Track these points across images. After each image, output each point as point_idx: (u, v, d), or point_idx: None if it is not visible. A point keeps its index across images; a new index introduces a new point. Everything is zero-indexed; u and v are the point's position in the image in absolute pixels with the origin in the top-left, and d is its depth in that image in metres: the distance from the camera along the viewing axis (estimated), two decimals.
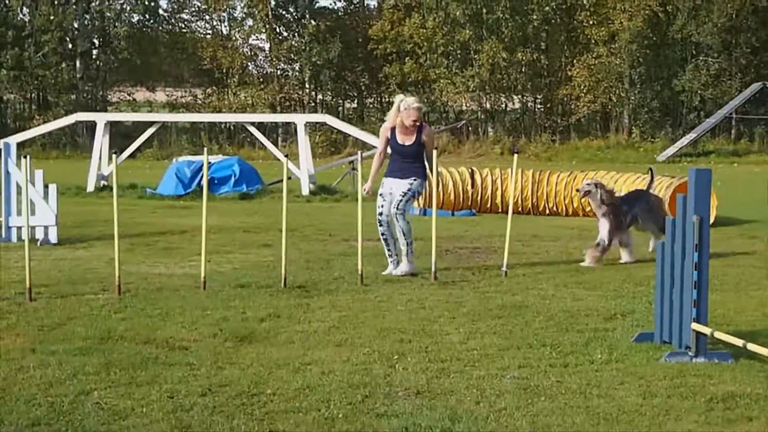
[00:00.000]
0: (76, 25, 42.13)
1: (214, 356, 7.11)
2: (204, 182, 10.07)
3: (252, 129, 24.83)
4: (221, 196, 20.72)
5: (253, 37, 45.19)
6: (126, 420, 5.64)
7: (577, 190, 13.06)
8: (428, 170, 11.05)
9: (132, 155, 24.85)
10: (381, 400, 6.08)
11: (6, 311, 8.67)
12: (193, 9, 46.50)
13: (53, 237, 13.36)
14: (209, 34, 46.36)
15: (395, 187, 11.02)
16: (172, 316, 8.58)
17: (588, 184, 12.45)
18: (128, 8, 42.89)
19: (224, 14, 45.39)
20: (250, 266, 11.53)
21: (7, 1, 42.06)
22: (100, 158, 22.43)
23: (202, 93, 45.22)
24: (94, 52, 43.71)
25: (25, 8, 41.74)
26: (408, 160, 11.06)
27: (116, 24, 42.34)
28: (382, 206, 11.05)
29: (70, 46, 41.86)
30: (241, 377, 6.53)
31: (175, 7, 46.29)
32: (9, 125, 41.03)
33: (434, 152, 10.94)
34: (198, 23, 47.25)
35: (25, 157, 10.45)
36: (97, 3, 42.11)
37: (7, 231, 13.61)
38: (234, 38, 45.21)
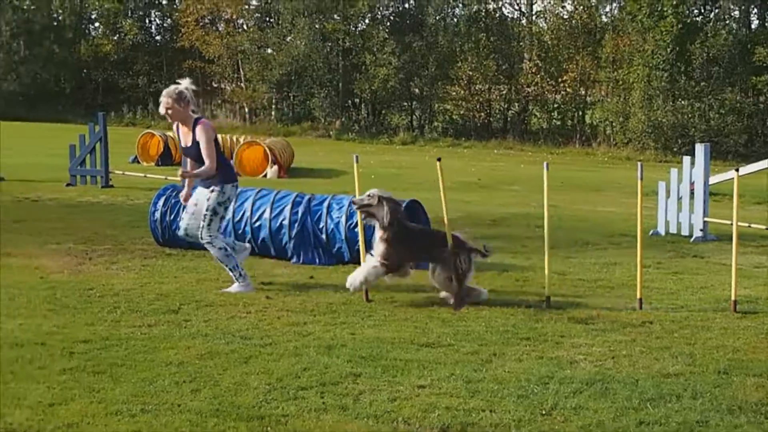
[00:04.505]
0: None
1: None
2: None
3: None
4: None
5: None
6: None
7: (353, 202, 9.55)
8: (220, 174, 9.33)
9: None
10: None
11: None
12: None
13: None
14: None
15: (200, 199, 9.51)
16: None
17: (370, 196, 9.24)
18: None
19: None
20: None
21: None
22: None
23: None
24: None
25: None
26: (200, 164, 9.37)
27: None
28: (184, 221, 9.66)
29: None
30: None
31: None
32: None
33: (212, 152, 9.23)
34: None
35: None
36: None
37: None
38: None
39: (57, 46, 51.26)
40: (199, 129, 9.33)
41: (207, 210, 9.46)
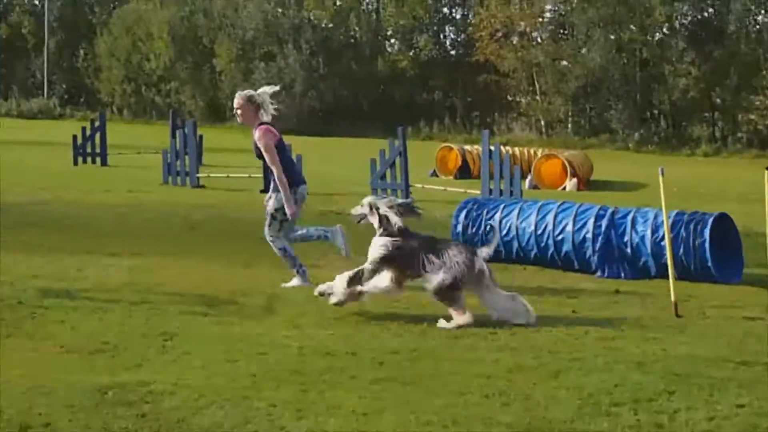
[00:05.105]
0: None
1: None
2: None
3: None
4: None
5: None
6: None
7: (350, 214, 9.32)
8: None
9: None
10: None
11: None
12: None
13: None
14: None
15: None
16: None
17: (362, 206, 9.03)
18: None
19: None
20: None
21: None
22: None
23: None
24: None
25: None
26: (268, 169, 10.06)
27: None
28: None
29: None
30: None
31: None
32: None
33: (272, 159, 9.72)
34: None
35: None
36: None
37: None
38: None
39: (355, 62, 53.01)
40: (257, 133, 9.86)
41: (267, 213, 10.07)
